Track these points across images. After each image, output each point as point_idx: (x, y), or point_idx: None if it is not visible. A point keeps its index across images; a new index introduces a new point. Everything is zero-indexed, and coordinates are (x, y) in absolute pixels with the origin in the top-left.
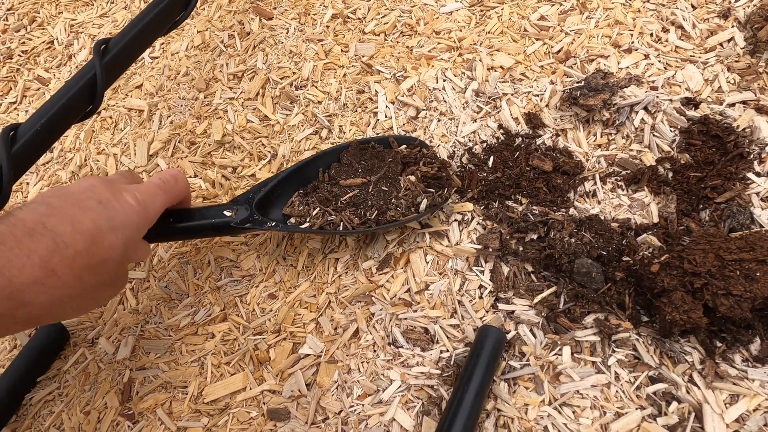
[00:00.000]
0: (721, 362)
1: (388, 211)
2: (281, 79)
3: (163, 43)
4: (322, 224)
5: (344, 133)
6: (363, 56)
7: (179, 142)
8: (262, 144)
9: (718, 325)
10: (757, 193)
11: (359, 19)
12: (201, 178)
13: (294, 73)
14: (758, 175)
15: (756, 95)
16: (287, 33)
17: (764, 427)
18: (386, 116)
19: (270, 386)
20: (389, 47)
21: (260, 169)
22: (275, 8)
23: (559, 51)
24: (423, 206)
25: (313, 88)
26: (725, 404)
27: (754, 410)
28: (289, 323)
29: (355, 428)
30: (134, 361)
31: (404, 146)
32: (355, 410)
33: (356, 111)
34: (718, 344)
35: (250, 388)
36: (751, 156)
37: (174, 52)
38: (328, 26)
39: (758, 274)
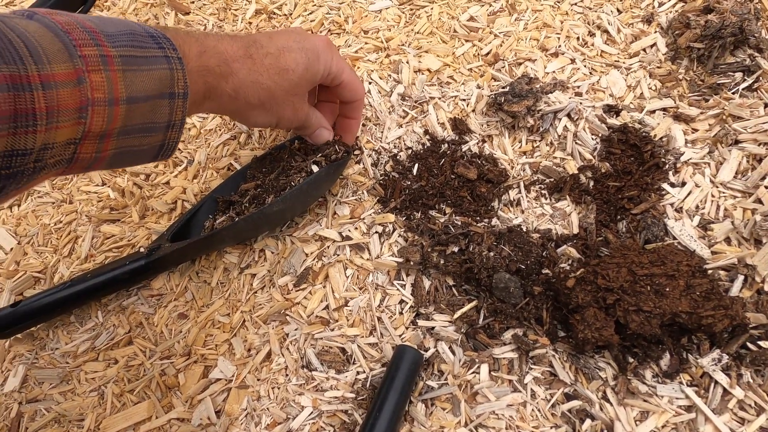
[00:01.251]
0: (632, 378)
1: (285, 190)
2: None
3: None
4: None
5: (264, 138)
6: None
7: None
8: (179, 149)
9: (630, 341)
10: (672, 204)
11: (285, 15)
12: (110, 187)
13: None
14: (672, 185)
15: (675, 102)
16: (204, 29)
17: None
18: None
19: (178, 414)
20: None
21: (175, 176)
22: (193, 2)
23: (487, 53)
24: (314, 168)
25: None
26: (636, 421)
27: (662, 427)
28: (200, 345)
29: None
30: (25, 393)
31: (296, 141)
32: None
33: None
34: (630, 360)
35: (156, 417)
36: (667, 166)
37: None
38: (250, 23)
39: (668, 289)
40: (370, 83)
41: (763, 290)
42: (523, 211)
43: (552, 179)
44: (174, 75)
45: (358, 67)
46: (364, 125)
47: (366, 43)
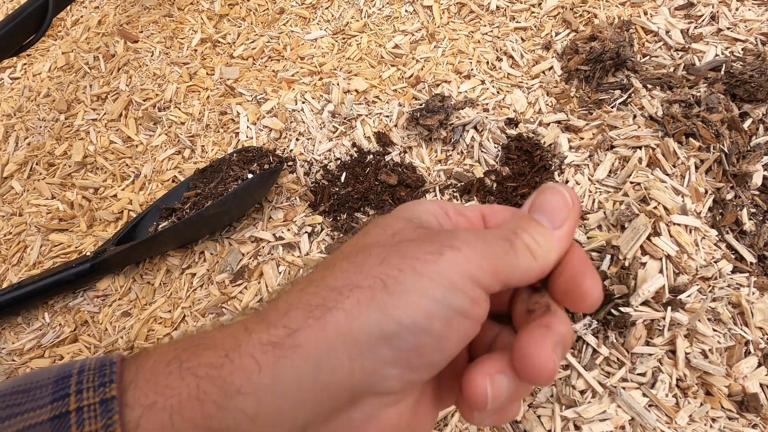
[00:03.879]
0: None
1: (222, 196)
2: (144, 100)
3: (25, 64)
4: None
5: (207, 152)
6: (228, 79)
7: (36, 164)
8: (126, 164)
9: None
10: None
11: (229, 43)
12: (59, 200)
13: (157, 94)
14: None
15: (567, 116)
16: (152, 56)
17: None
18: (247, 136)
19: None
20: (256, 71)
21: (123, 190)
22: (141, 31)
23: (410, 76)
24: (249, 176)
25: (176, 109)
26: None
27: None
28: (142, 339)
29: None
30: None
31: (235, 154)
32: None
33: (218, 131)
34: None
35: None
36: (552, 167)
37: (36, 72)
38: (195, 50)
39: None
40: (303, 103)
41: (625, 266)
42: None
43: (462, 183)
44: None
45: (293, 89)
46: (297, 139)
47: (302, 68)
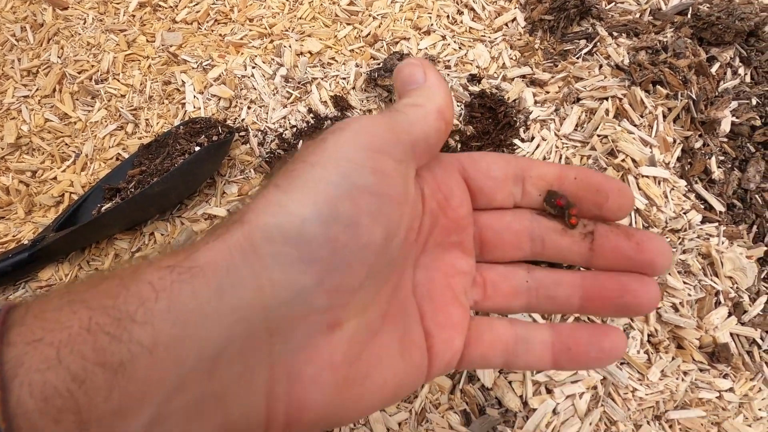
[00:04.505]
0: None
1: (168, 172)
2: (79, 73)
3: None
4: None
5: (152, 126)
6: (170, 46)
7: None
8: (65, 144)
9: None
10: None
11: (170, 7)
12: None
13: (93, 66)
14: (523, 141)
15: (532, 69)
16: (84, 24)
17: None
18: (195, 107)
19: None
20: (202, 36)
21: (63, 171)
22: None
23: (368, 35)
24: (197, 149)
25: (114, 81)
26: None
27: None
28: None
29: None
30: None
31: (182, 126)
32: None
33: (163, 103)
34: None
35: None
36: (518, 124)
37: None
38: (133, 15)
39: None
40: (253, 68)
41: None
42: None
43: None
44: None
45: (242, 53)
46: (249, 107)
47: (250, 30)
